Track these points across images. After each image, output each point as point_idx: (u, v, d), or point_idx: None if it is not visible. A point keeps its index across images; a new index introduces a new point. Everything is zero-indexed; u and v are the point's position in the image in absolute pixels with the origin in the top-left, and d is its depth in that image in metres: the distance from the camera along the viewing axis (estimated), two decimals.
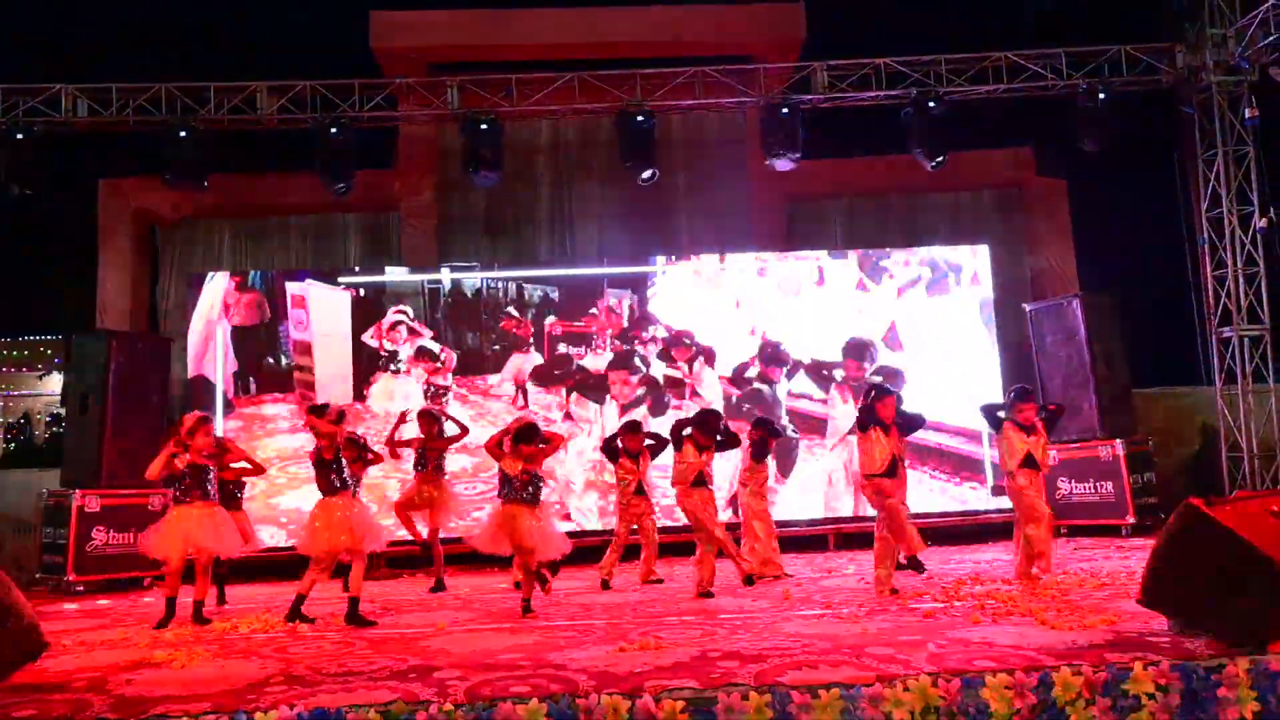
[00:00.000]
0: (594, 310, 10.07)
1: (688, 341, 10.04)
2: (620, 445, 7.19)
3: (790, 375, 10.02)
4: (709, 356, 10.04)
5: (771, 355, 10.04)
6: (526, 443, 5.87)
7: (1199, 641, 3.88)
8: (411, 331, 9.92)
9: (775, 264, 10.35)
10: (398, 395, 9.73)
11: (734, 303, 10.15)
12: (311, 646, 4.85)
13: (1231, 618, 3.81)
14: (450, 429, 7.72)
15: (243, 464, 6.70)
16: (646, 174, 9.78)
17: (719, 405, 9.67)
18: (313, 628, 5.49)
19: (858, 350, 10.11)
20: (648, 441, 7.19)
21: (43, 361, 16.96)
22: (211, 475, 6.21)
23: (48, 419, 17.06)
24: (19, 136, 9.09)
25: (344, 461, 5.94)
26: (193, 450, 6.07)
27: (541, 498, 5.96)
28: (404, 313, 9.94)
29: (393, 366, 9.85)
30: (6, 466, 13.36)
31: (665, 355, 10.02)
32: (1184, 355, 10.23)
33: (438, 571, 7.47)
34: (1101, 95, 9.49)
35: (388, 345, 9.91)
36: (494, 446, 6.01)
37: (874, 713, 3.32)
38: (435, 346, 9.93)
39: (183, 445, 6.08)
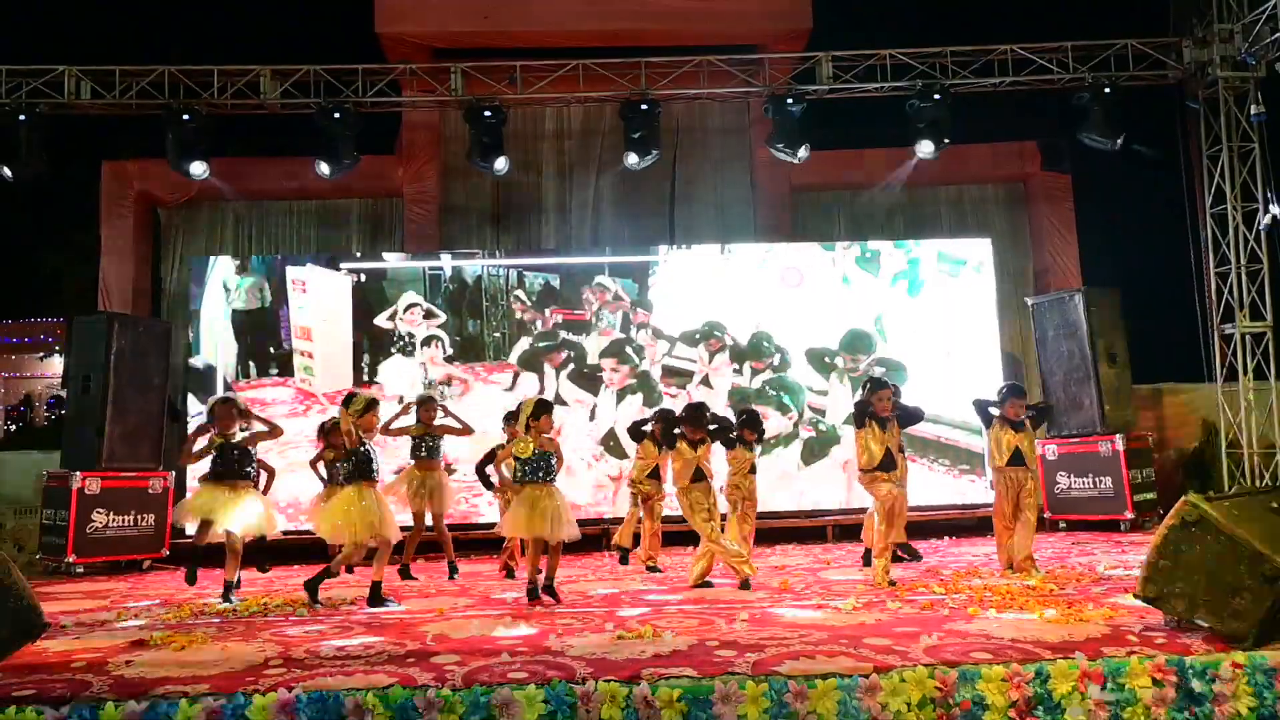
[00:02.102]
0: (587, 295, 10.07)
1: (718, 334, 10.05)
2: (647, 430, 7.22)
3: (775, 370, 10.02)
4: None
5: (751, 349, 10.05)
6: (548, 414, 5.90)
7: (1196, 637, 3.89)
8: (428, 315, 9.95)
9: (777, 254, 10.33)
10: (405, 378, 9.78)
11: (736, 293, 10.14)
12: (310, 630, 4.86)
13: (1229, 614, 3.82)
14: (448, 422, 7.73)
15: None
16: (645, 160, 9.75)
17: (725, 399, 9.71)
18: (312, 612, 5.51)
19: (853, 342, 10.10)
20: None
21: (44, 344, 16.98)
22: (250, 454, 6.29)
23: (49, 401, 17.07)
24: (22, 118, 9.08)
25: (370, 452, 5.86)
26: (218, 429, 6.14)
27: (555, 477, 5.91)
28: (417, 303, 9.98)
29: (407, 348, 9.88)
30: (7, 448, 13.39)
31: (693, 342, 10.03)
32: (1185, 351, 10.22)
33: (449, 555, 7.51)
34: (1107, 89, 9.47)
35: (403, 327, 9.93)
36: (499, 464, 5.96)
37: (870, 703, 3.33)
38: (441, 333, 9.98)
39: (211, 428, 6.17)
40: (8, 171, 9.14)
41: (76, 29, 11.43)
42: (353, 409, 5.92)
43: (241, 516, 6.14)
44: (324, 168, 9.60)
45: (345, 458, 6.01)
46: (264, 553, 7.51)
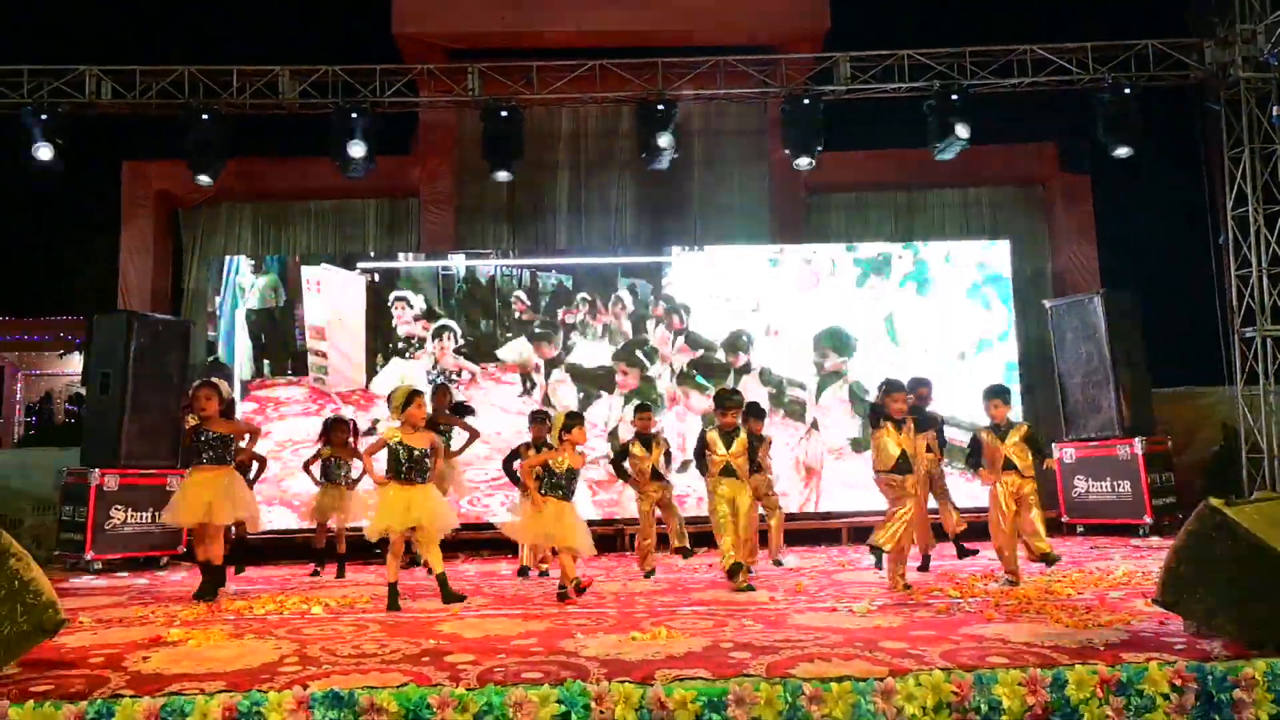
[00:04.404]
0: (584, 297, 10.06)
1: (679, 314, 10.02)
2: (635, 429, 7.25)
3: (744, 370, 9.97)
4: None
5: (731, 343, 10.05)
6: (579, 425, 5.88)
7: (1215, 643, 3.85)
8: (419, 317, 9.97)
9: (792, 255, 10.30)
10: (405, 379, 9.81)
11: (748, 294, 10.12)
12: (326, 628, 4.88)
13: (1249, 620, 3.78)
14: (457, 434, 7.72)
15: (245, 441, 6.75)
16: (665, 152, 9.73)
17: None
18: (327, 610, 5.53)
19: (830, 340, 10.05)
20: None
21: (64, 342, 17.12)
22: (228, 442, 6.26)
23: (68, 399, 17.21)
24: (43, 117, 9.15)
25: (411, 450, 5.77)
26: (200, 415, 6.16)
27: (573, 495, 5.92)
28: (404, 299, 9.97)
29: (405, 350, 9.91)
30: (27, 445, 13.51)
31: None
32: (1205, 355, 10.12)
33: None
34: (1127, 90, 9.40)
35: (398, 327, 9.96)
36: (528, 469, 5.97)
37: (886, 706, 3.31)
38: (452, 324, 10.00)
39: (190, 412, 6.20)
40: (45, 155, 9.10)
41: (97, 29, 11.51)
42: (393, 405, 5.87)
43: (229, 507, 6.12)
44: (355, 149, 9.51)
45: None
46: (250, 552, 7.50)
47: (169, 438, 8.98)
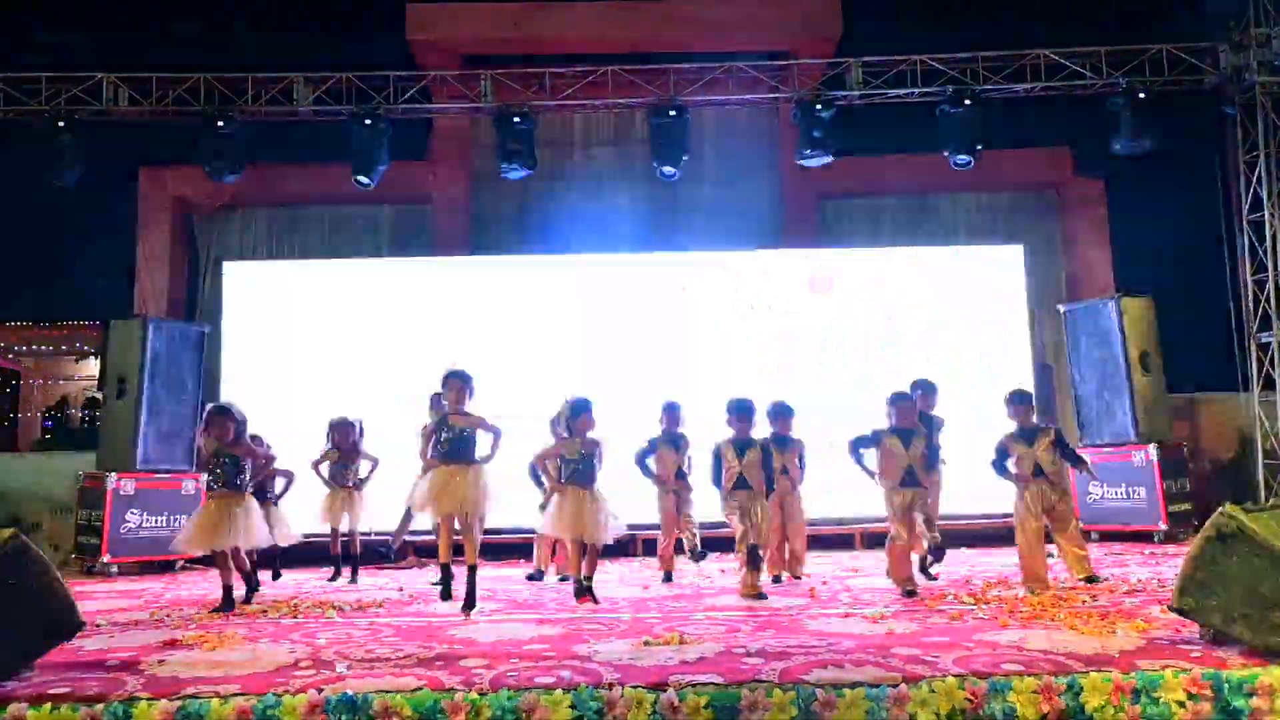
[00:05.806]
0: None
1: None
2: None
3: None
4: None
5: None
6: (586, 413, 5.84)
7: (1231, 651, 3.82)
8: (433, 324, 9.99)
9: (804, 260, 10.29)
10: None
11: (761, 299, 10.11)
12: (340, 632, 4.90)
13: (1266, 627, 3.75)
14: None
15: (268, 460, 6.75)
16: (676, 169, 9.73)
17: None
18: (341, 614, 5.55)
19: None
20: None
21: (81, 346, 17.27)
22: (242, 465, 6.18)
23: (84, 403, 17.34)
24: (61, 124, 9.24)
25: (452, 429, 5.79)
26: (217, 440, 6.13)
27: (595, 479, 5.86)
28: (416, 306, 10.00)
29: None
30: (44, 449, 13.60)
31: None
32: (1221, 360, 10.05)
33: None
34: (1141, 95, 9.36)
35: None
36: (542, 462, 5.99)
37: (899, 713, 3.30)
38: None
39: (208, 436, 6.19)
40: None
41: (114, 37, 11.62)
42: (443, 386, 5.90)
43: (242, 533, 6.02)
44: (360, 180, 9.58)
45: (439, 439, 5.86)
46: (277, 559, 7.50)
47: (184, 442, 9.05)
